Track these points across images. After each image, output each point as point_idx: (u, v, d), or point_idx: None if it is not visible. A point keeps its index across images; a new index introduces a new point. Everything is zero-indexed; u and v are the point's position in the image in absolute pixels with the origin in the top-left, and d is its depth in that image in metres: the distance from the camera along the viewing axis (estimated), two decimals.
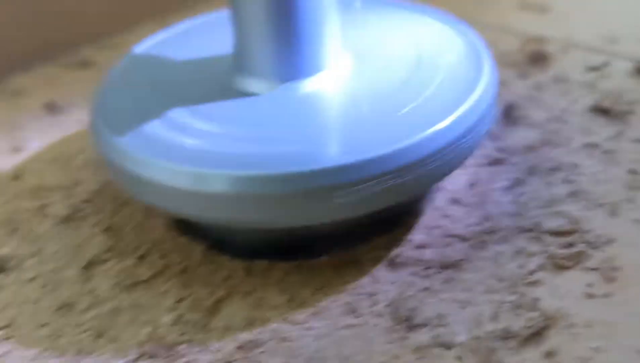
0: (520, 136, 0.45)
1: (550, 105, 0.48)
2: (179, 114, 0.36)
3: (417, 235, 0.37)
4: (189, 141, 0.34)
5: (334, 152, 0.34)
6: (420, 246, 0.36)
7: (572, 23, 0.60)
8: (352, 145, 0.33)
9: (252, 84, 0.37)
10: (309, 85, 0.37)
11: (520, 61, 0.55)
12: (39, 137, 0.51)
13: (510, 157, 0.43)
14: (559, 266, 0.34)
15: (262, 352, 0.31)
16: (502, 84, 0.51)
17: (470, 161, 0.43)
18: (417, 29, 0.42)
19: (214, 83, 0.39)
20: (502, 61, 0.55)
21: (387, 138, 0.32)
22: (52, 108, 0.55)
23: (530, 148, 0.43)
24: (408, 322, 0.32)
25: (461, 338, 0.31)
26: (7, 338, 0.34)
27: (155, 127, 0.35)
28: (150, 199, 0.34)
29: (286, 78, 0.37)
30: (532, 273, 0.34)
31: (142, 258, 0.38)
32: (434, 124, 0.33)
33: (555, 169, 0.41)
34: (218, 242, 0.38)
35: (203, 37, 0.44)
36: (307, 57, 0.37)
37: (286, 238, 0.36)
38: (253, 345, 0.32)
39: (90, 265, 0.38)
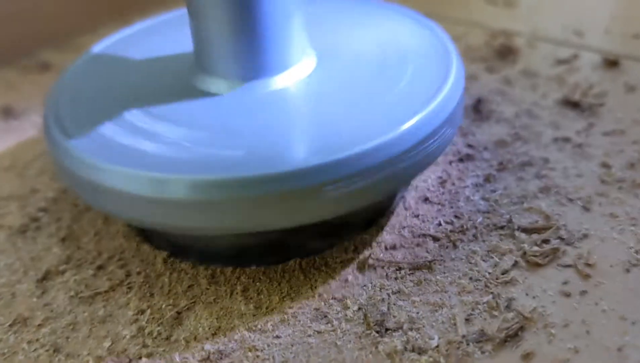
0: (490, 132, 0.44)
1: (519, 99, 0.47)
2: (136, 117, 0.34)
3: (387, 236, 0.36)
4: (148, 146, 0.32)
5: (298, 154, 0.32)
6: (391, 248, 0.35)
7: (538, 17, 0.60)
8: (317, 147, 0.32)
9: (213, 84, 0.36)
10: (272, 84, 0.36)
11: (488, 55, 0.54)
12: None
13: (481, 153, 0.42)
14: (534, 264, 0.33)
15: None
16: (471, 78, 0.50)
17: (440, 157, 0.42)
18: (382, 26, 0.41)
19: (174, 83, 0.37)
20: (470, 55, 0.54)
21: (354, 138, 0.31)
22: (8, 113, 0.53)
23: (500, 143, 0.42)
24: (379, 327, 0.30)
25: (434, 342, 0.30)
26: None
27: (111, 131, 0.34)
28: (109, 208, 0.33)
29: (248, 77, 0.36)
30: (506, 272, 0.33)
31: (101, 268, 0.36)
32: (402, 124, 0.32)
33: (526, 164, 0.40)
34: (180, 249, 0.36)
35: (163, 36, 0.43)
36: (270, 56, 0.35)
37: (252, 243, 0.35)
38: (218, 356, 0.30)
39: (46, 277, 0.36)
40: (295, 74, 0.36)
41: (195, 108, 0.35)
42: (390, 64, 0.37)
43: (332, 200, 0.30)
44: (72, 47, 0.62)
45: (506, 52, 0.53)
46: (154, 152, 0.32)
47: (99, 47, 0.43)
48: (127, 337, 0.32)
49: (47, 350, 0.32)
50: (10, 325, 0.33)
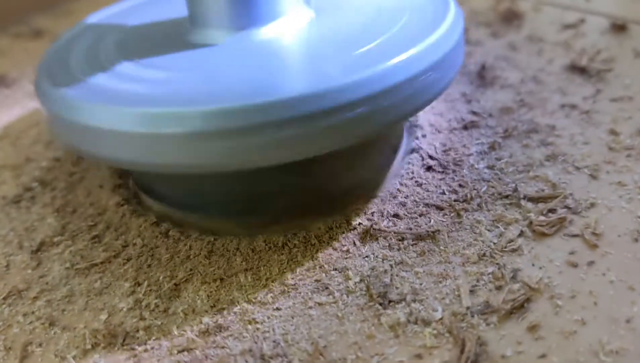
0: (494, 98, 0.43)
1: (525, 65, 0.46)
2: (127, 67, 0.34)
3: (389, 205, 0.35)
4: (137, 87, 0.32)
5: (290, 84, 0.31)
6: (394, 217, 0.34)
7: None
8: (309, 79, 0.31)
9: (206, 35, 0.35)
10: (264, 33, 0.35)
11: (493, 19, 0.52)
12: None
13: (485, 120, 0.41)
14: (540, 233, 0.32)
15: (227, 336, 0.29)
16: (475, 44, 0.49)
17: (443, 124, 0.41)
18: None
19: (168, 39, 0.36)
20: (474, 20, 0.53)
21: (345, 71, 0.30)
22: (1, 81, 0.52)
23: (505, 110, 0.41)
24: (382, 299, 0.30)
25: (438, 314, 0.29)
26: None
27: (101, 78, 0.33)
28: (101, 151, 0.31)
29: (241, 27, 0.35)
30: (511, 242, 0.32)
31: (96, 239, 0.35)
32: (391, 58, 0.31)
33: (532, 131, 0.39)
34: (179, 203, 0.35)
35: (162, 7, 0.42)
36: (262, 4, 0.35)
37: (249, 195, 0.34)
38: (217, 329, 0.30)
39: (41, 248, 0.35)
40: (289, 23, 0.35)
41: (187, 57, 0.34)
42: (387, 14, 0.36)
43: (326, 131, 0.29)
44: (64, 13, 0.61)
45: (511, 17, 0.52)
46: (142, 91, 0.31)
47: (94, 16, 0.42)
48: (124, 309, 0.31)
49: (42, 323, 0.31)
50: (5, 298, 0.33)
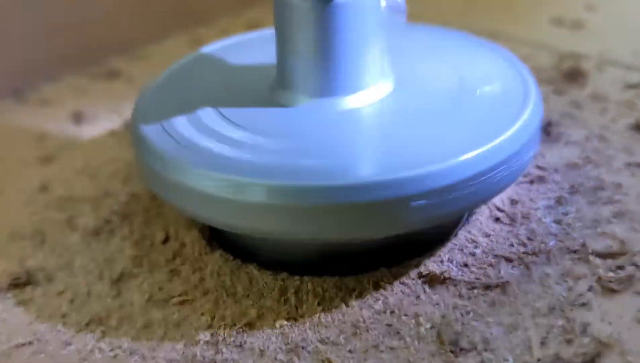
0: (560, 154, 0.44)
1: (589, 123, 0.47)
2: (218, 124, 0.36)
3: (458, 254, 0.36)
4: (229, 151, 0.34)
5: (368, 169, 0.33)
6: (463, 266, 0.35)
7: (606, 39, 0.59)
8: (395, 162, 0.32)
9: (291, 98, 0.37)
10: (346, 102, 0.36)
11: (556, 77, 0.53)
12: (66, 147, 0.50)
13: (552, 175, 0.41)
14: (609, 289, 0.33)
15: None
16: None
17: None
18: (462, 57, 0.41)
19: (255, 96, 0.38)
20: (537, 77, 0.54)
21: (431, 156, 0.32)
22: (79, 118, 0.55)
23: (571, 166, 0.42)
24: (454, 346, 0.30)
25: None
26: (34, 354, 0.33)
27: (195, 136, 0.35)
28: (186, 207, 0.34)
29: (323, 94, 0.36)
30: (580, 296, 0.33)
31: (174, 272, 0.37)
32: (477, 148, 0.32)
33: (598, 188, 0.40)
34: (254, 256, 0.37)
35: (246, 53, 0.44)
36: (345, 76, 0.36)
37: (325, 253, 0.35)
38: None
39: (120, 279, 0.37)
40: (369, 95, 0.37)
41: (273, 117, 0.36)
42: (469, 91, 0.37)
43: (408, 215, 0.31)
44: (138, 56, 0.64)
45: (574, 75, 0.53)
46: (231, 156, 0.33)
47: (178, 63, 0.44)
48: (201, 342, 0.32)
49: (123, 351, 0.32)
50: (87, 324, 0.34)
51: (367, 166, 0.34)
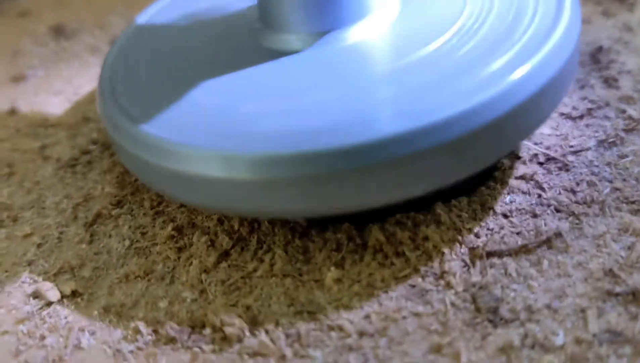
0: (613, 85, 0.37)
1: None
2: (204, 92, 0.29)
3: (498, 204, 0.30)
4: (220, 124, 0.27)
5: (390, 119, 0.26)
6: (504, 217, 0.29)
7: None
8: (417, 109, 0.26)
9: (285, 40, 0.30)
10: (350, 36, 0.30)
11: None
12: (44, 65, 0.44)
13: (603, 109, 0.35)
14: None
15: (308, 345, 0.25)
16: (585, 22, 0.44)
17: (555, 114, 0.36)
18: None
19: (240, 43, 0.31)
20: None
21: (454, 96, 0.26)
22: (59, 32, 0.48)
23: (625, 99, 0.36)
24: (492, 315, 0.25)
25: (559, 339, 0.24)
26: None
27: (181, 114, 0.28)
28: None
29: (324, 28, 0.30)
30: None
31: (159, 214, 0.31)
32: (506, 77, 0.26)
33: None
34: None
35: None
36: (345, 2, 0.30)
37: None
38: (297, 336, 0.26)
39: (96, 221, 0.32)
40: (375, 22, 0.30)
41: (269, 71, 0.29)
42: (488, 9, 0.30)
43: (437, 166, 0.25)
44: None
45: None
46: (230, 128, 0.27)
47: (144, 16, 0.36)
48: (188, 299, 0.27)
49: (98, 309, 0.27)
50: (55, 274, 0.29)
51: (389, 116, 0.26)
